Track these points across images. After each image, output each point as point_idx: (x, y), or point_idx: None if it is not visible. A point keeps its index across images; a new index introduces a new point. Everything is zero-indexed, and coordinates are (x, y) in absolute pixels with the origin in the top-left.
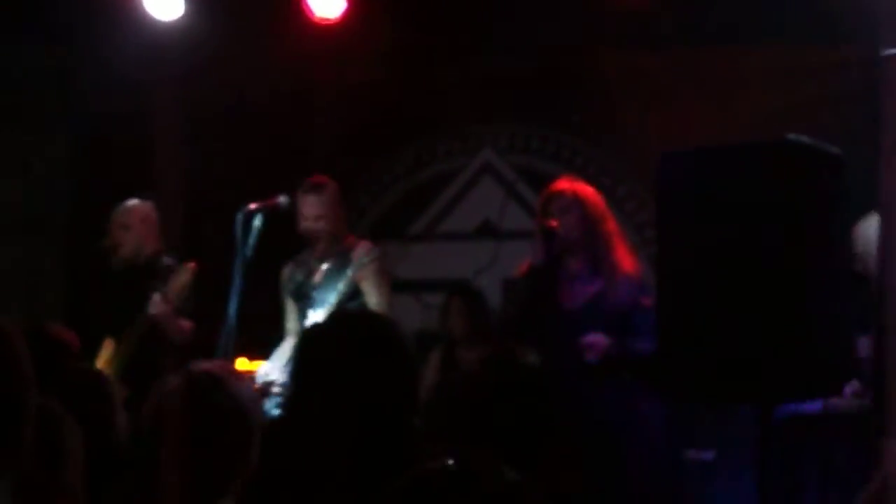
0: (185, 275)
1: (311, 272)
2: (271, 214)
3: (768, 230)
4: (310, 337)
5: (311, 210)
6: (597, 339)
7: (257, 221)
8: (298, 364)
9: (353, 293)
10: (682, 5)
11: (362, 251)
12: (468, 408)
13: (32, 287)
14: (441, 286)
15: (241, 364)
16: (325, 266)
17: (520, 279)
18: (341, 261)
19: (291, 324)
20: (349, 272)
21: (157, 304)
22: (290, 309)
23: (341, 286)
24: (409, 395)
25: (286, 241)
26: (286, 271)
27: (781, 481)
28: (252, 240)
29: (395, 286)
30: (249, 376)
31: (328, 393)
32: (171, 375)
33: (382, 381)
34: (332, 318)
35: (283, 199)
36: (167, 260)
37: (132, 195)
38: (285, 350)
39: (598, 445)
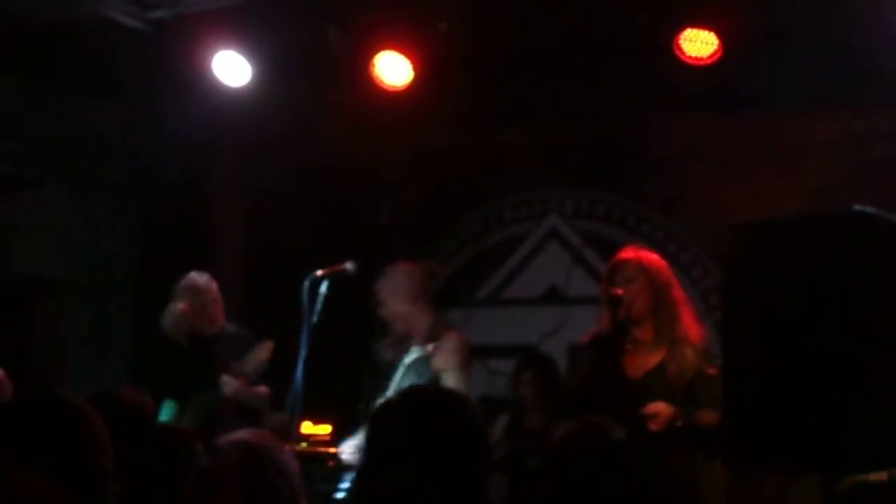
0: (263, 353)
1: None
2: (338, 281)
3: (833, 300)
4: (381, 412)
5: (377, 295)
6: (660, 408)
7: (324, 288)
8: (369, 439)
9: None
10: (749, 72)
11: (447, 343)
12: (555, 480)
13: (100, 348)
14: (507, 352)
15: (306, 427)
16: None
17: (585, 348)
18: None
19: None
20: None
21: (229, 383)
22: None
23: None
24: (481, 470)
25: (352, 307)
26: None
27: None
28: (319, 306)
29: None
30: (314, 438)
31: (398, 469)
32: (222, 443)
33: (455, 456)
34: (404, 394)
35: (349, 266)
36: (235, 329)
37: (196, 259)
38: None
39: None
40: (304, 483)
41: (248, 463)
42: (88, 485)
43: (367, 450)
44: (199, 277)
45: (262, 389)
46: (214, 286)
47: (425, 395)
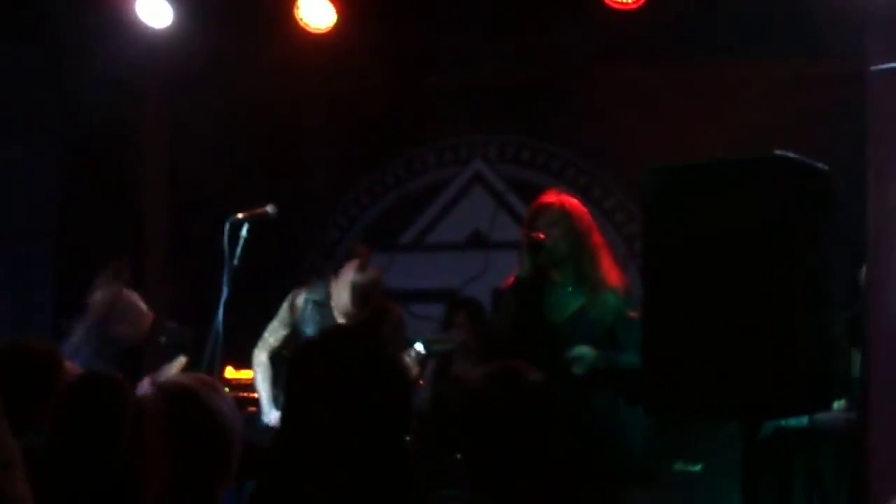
0: (175, 369)
1: (329, 319)
2: (259, 224)
3: (755, 245)
4: (302, 356)
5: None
6: (583, 351)
7: (245, 231)
8: (290, 377)
9: None
10: (677, 19)
11: (393, 318)
12: (471, 424)
13: (23, 294)
14: (431, 297)
15: (229, 372)
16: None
17: (507, 292)
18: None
19: (277, 343)
20: None
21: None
22: (283, 336)
23: None
24: (403, 411)
25: (273, 251)
26: (299, 300)
27: (768, 495)
28: (239, 249)
29: (386, 296)
30: (237, 383)
31: (321, 411)
32: (147, 389)
33: (375, 398)
34: (322, 336)
35: (270, 209)
36: (169, 331)
37: (120, 201)
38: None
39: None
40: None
41: (173, 407)
42: None
43: (289, 388)
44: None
45: (173, 370)
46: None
47: (344, 334)
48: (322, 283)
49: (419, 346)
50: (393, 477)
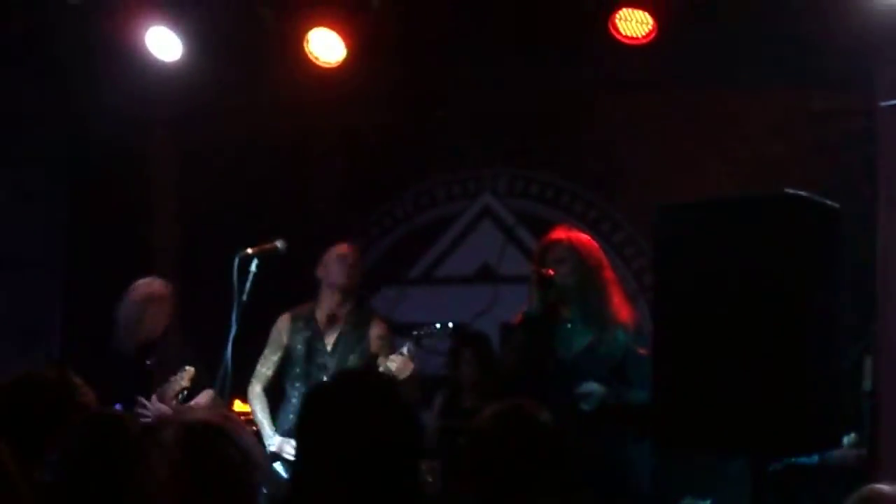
0: (184, 380)
1: (318, 332)
2: (268, 259)
3: (765, 283)
4: (312, 398)
5: (342, 250)
6: (592, 388)
7: (254, 266)
8: (305, 423)
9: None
10: (683, 51)
11: (381, 330)
12: (480, 463)
13: (29, 323)
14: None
15: (237, 406)
16: (337, 334)
17: (516, 328)
18: (357, 333)
19: (269, 372)
20: (365, 347)
21: (153, 409)
22: (274, 362)
23: (354, 360)
24: (414, 450)
25: (280, 284)
26: (284, 325)
27: None
28: (248, 284)
29: (394, 329)
30: (244, 416)
31: (335, 451)
32: (166, 427)
33: (387, 439)
34: (337, 378)
35: (280, 244)
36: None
37: (128, 234)
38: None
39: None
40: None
41: (198, 444)
42: None
43: (302, 429)
44: (156, 283)
45: (205, 398)
46: (170, 291)
47: (356, 381)
48: (306, 305)
49: (405, 348)
50: None
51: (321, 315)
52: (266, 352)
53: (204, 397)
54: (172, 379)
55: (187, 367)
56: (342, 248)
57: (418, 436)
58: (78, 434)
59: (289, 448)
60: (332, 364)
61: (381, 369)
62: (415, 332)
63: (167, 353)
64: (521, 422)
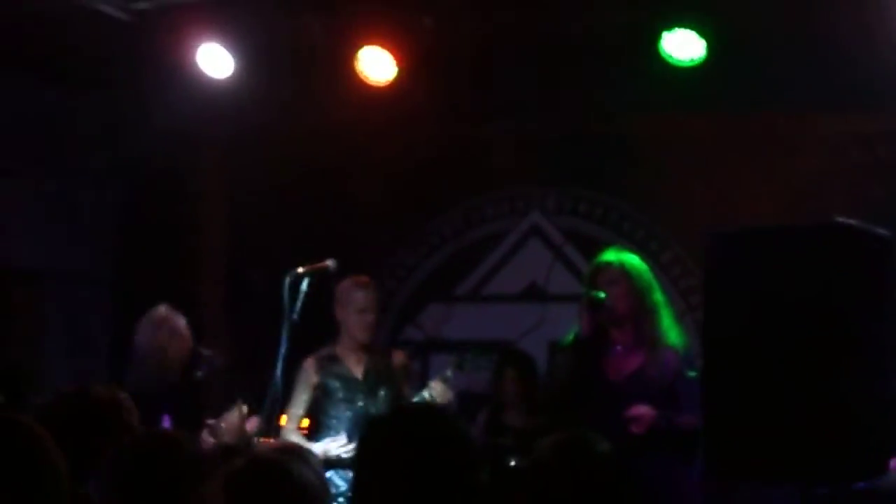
0: (236, 417)
1: (345, 364)
2: (319, 278)
3: (815, 311)
4: (373, 432)
5: (360, 301)
6: (643, 411)
7: (304, 285)
8: (360, 456)
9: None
10: (733, 73)
11: (403, 359)
12: (539, 494)
13: (78, 341)
14: (486, 348)
15: (283, 421)
16: (363, 367)
17: (565, 350)
18: (382, 362)
19: (300, 412)
20: (393, 376)
21: (206, 441)
22: (305, 400)
23: (386, 389)
24: (472, 485)
25: (329, 303)
26: (310, 364)
27: None
28: (299, 303)
29: (441, 347)
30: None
31: (391, 486)
32: (237, 457)
33: (445, 473)
34: (395, 412)
35: (331, 263)
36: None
37: (177, 251)
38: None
39: None
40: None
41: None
42: None
43: (359, 467)
44: (158, 314)
45: (250, 426)
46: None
47: (413, 411)
48: (325, 347)
49: (448, 373)
50: None
51: (344, 352)
52: (295, 394)
53: (249, 425)
54: (225, 416)
55: (241, 406)
56: (359, 300)
57: (475, 461)
58: (133, 451)
59: (334, 445)
60: (366, 395)
61: (421, 395)
62: (457, 360)
63: (210, 365)
64: (582, 452)
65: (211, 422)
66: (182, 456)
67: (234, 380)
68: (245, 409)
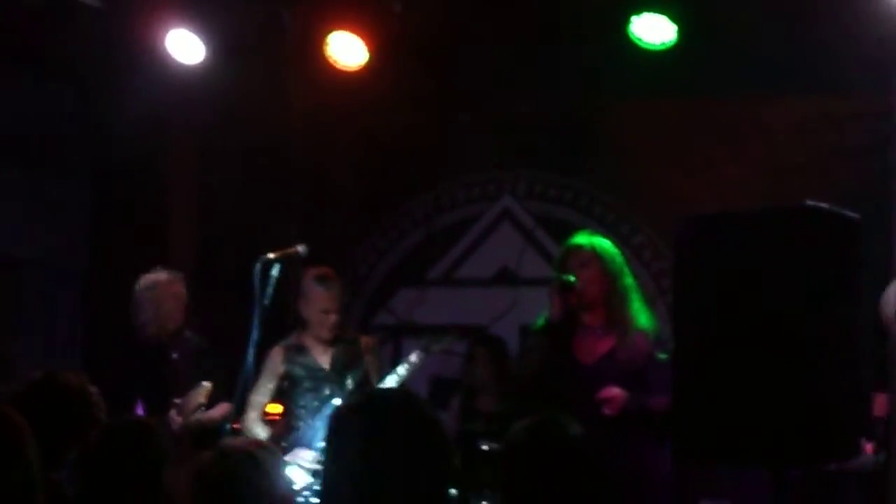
0: (200, 396)
1: (311, 355)
2: (289, 263)
3: (785, 294)
4: (341, 418)
5: (322, 301)
6: (614, 393)
7: (275, 271)
8: (332, 443)
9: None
10: (703, 57)
11: (371, 343)
12: (514, 475)
13: (51, 326)
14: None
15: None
16: (331, 354)
17: (536, 334)
18: (350, 350)
19: (264, 400)
20: (361, 362)
21: (174, 420)
22: (270, 389)
23: (354, 376)
24: (445, 469)
25: (299, 287)
26: (277, 353)
27: None
28: (270, 289)
29: (413, 331)
30: (266, 417)
31: (363, 473)
32: (205, 451)
33: (417, 457)
34: (365, 396)
35: (301, 249)
36: (192, 338)
37: (148, 237)
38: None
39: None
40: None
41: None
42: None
43: (327, 456)
44: (165, 274)
45: (220, 411)
46: (181, 279)
47: (379, 398)
48: (293, 336)
49: (414, 357)
50: None
51: (310, 342)
52: (260, 381)
53: (219, 410)
54: (190, 394)
55: (204, 384)
56: (321, 300)
57: (450, 457)
58: (107, 438)
59: (303, 454)
60: (333, 382)
61: (389, 378)
62: (424, 341)
63: (188, 347)
64: (554, 435)
65: (177, 401)
66: (155, 443)
67: (206, 363)
68: (209, 388)
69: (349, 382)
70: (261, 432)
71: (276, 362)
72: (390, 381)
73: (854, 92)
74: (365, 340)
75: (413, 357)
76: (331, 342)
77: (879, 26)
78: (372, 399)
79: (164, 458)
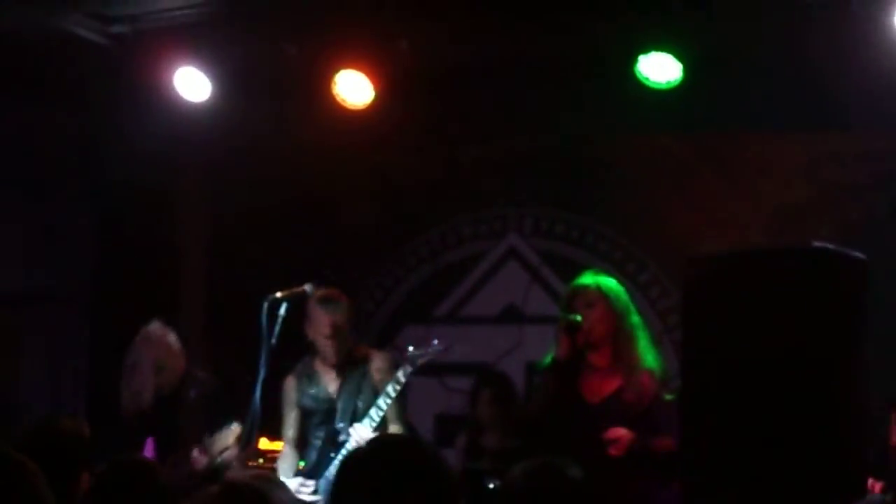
0: (230, 438)
1: (321, 382)
2: (297, 303)
3: (792, 335)
4: (351, 464)
5: (326, 326)
6: (620, 434)
7: (282, 310)
8: (340, 486)
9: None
10: (710, 94)
11: (381, 362)
12: None
13: (56, 362)
14: (464, 370)
15: (263, 444)
16: (341, 380)
17: (543, 373)
18: (359, 371)
19: (292, 432)
20: (370, 383)
21: (199, 460)
22: (294, 418)
23: (363, 400)
24: None
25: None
26: (290, 383)
27: None
28: (277, 328)
29: (419, 369)
30: (271, 455)
31: None
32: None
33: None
34: (372, 444)
35: (308, 288)
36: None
37: (156, 275)
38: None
39: None
40: None
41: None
42: None
43: (337, 493)
44: (155, 331)
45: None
46: (171, 335)
47: (389, 443)
48: (303, 361)
49: (401, 374)
50: None
51: (321, 366)
52: (284, 413)
53: (230, 435)
54: (218, 435)
55: (233, 426)
56: (325, 326)
57: (456, 499)
58: (111, 479)
59: (304, 489)
60: (341, 408)
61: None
62: (409, 354)
63: (201, 387)
64: (552, 479)
65: (204, 439)
66: (155, 483)
67: (219, 403)
68: (238, 431)
69: (360, 405)
70: (287, 468)
71: (290, 393)
72: (383, 403)
73: (860, 129)
74: (376, 359)
75: (400, 374)
76: (339, 365)
77: (885, 64)
78: (377, 450)
79: (165, 497)
